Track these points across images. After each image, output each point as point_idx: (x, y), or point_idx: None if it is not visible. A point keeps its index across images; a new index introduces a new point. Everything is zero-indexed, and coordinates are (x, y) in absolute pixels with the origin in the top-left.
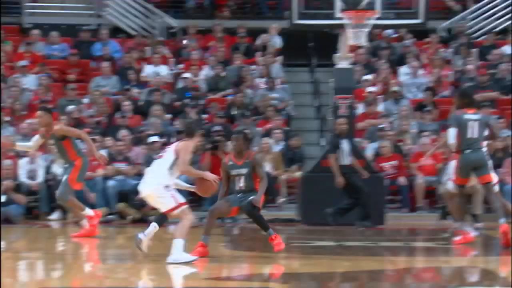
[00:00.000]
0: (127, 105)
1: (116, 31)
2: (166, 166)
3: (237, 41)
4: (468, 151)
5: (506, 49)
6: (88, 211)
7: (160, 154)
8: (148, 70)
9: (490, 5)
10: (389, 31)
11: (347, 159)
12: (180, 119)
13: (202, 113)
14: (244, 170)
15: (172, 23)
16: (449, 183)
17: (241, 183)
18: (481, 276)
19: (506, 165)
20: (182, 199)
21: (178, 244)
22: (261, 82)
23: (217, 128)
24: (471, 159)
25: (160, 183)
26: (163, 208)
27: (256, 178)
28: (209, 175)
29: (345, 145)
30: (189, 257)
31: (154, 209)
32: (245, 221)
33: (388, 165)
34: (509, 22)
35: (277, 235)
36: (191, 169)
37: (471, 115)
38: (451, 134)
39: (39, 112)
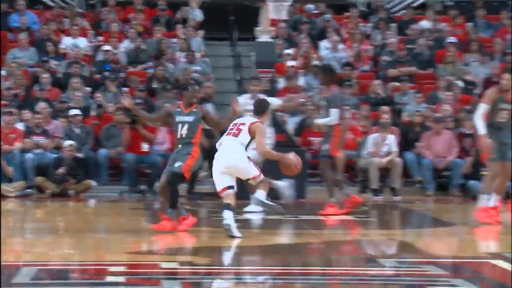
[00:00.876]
0: (45, 77)
1: (33, 2)
2: (242, 146)
3: (158, 14)
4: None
5: (424, 23)
6: None
7: (233, 132)
8: (66, 42)
9: None
10: (310, 5)
11: None
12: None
13: (122, 86)
14: (188, 118)
15: None
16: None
17: (183, 131)
18: (399, 248)
19: (423, 138)
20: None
21: (260, 194)
22: (181, 56)
23: (137, 101)
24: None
25: (243, 155)
26: (246, 176)
27: (199, 132)
28: (289, 158)
29: (209, 109)
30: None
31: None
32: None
33: (317, 140)
34: None
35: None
36: (270, 151)
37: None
38: (335, 113)
39: None
